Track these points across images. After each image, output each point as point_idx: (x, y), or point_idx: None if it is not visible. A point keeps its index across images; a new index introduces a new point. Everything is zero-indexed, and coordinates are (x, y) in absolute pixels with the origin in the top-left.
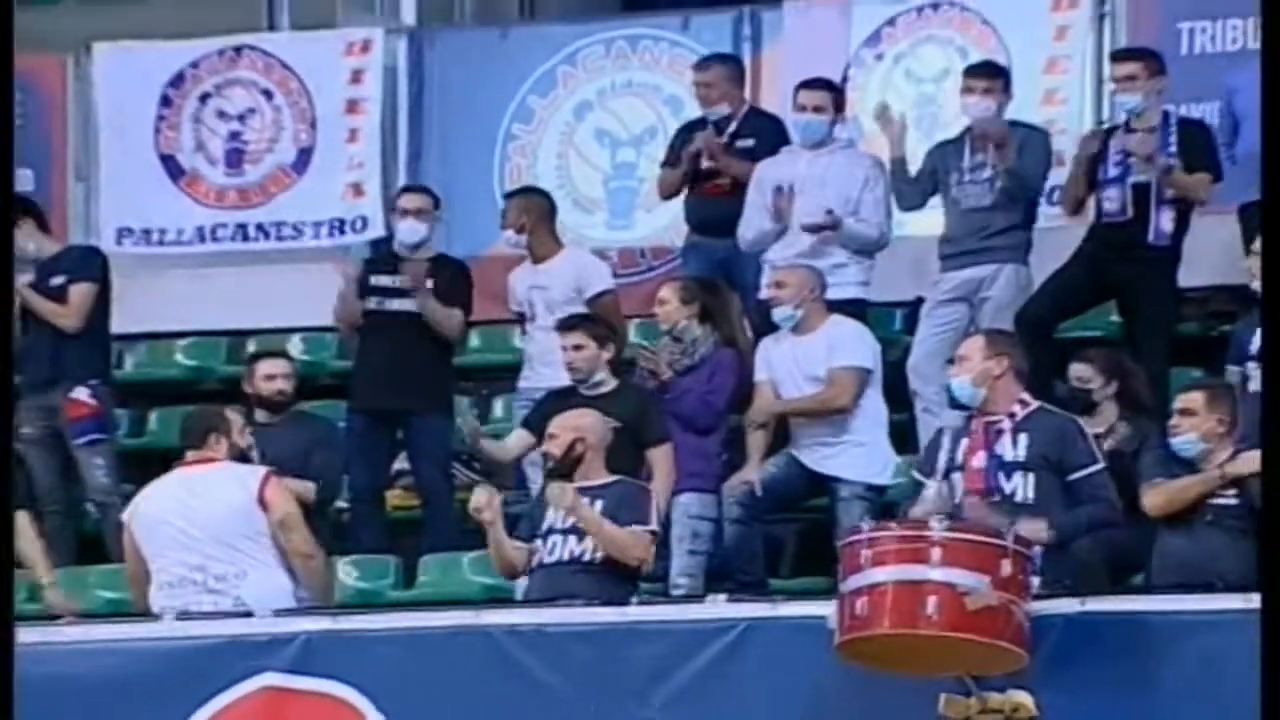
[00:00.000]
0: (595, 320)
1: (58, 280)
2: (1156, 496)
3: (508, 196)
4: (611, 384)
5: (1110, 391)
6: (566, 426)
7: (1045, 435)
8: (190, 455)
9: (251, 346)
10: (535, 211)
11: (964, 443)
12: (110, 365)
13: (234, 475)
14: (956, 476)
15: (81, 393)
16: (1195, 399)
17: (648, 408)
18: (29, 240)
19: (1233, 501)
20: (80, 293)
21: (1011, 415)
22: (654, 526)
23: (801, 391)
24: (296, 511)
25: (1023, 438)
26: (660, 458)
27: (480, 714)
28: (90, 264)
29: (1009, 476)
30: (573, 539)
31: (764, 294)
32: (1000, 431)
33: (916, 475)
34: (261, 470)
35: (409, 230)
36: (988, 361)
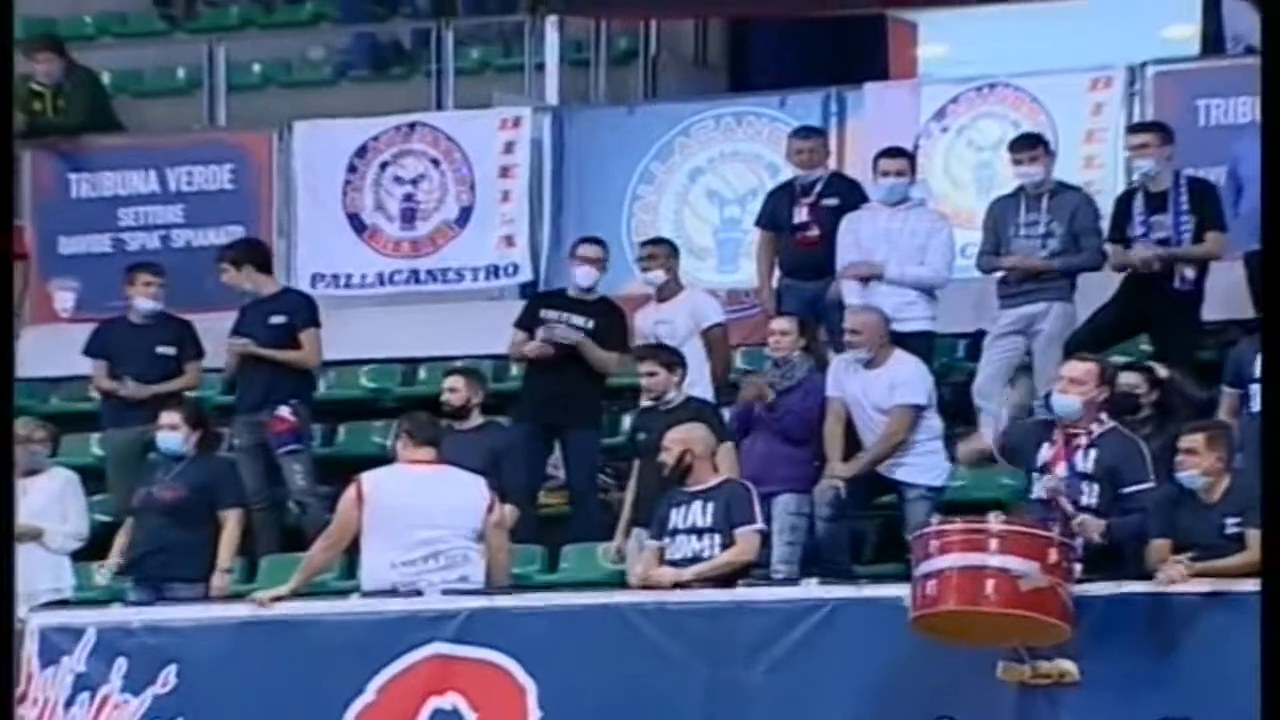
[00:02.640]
0: (662, 349)
1: (277, 319)
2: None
3: (645, 244)
4: (681, 398)
5: (1153, 398)
6: (676, 439)
7: (1112, 452)
8: (418, 455)
9: (422, 372)
10: (666, 257)
11: (1045, 448)
12: (309, 388)
13: (463, 480)
14: (1035, 477)
15: (284, 410)
16: (1197, 440)
17: (707, 414)
18: (247, 280)
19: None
20: (312, 336)
21: (1089, 432)
22: (760, 525)
23: (870, 416)
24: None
25: (1093, 452)
26: (724, 453)
27: (612, 677)
28: (311, 309)
29: (1077, 484)
30: (694, 538)
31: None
32: (1078, 446)
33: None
34: (483, 479)
35: (584, 275)
36: (1098, 388)
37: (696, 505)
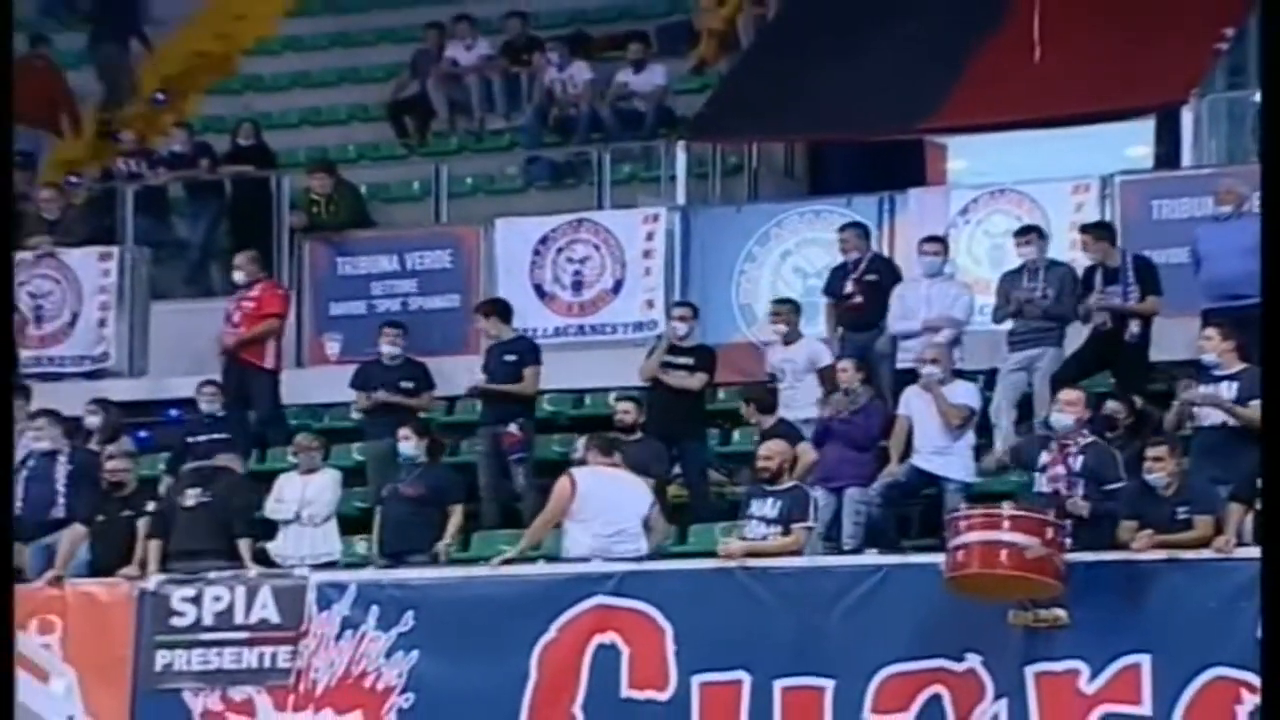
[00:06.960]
0: (755, 389)
1: (510, 358)
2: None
3: (775, 303)
4: (773, 421)
5: (1128, 421)
6: (775, 450)
7: (1094, 458)
8: (605, 460)
9: (587, 399)
10: (789, 314)
11: (1044, 454)
12: (532, 410)
13: (636, 480)
14: (1038, 476)
15: (513, 427)
16: (1162, 450)
17: (792, 433)
18: (494, 328)
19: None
20: (532, 372)
21: (1077, 443)
22: (811, 523)
23: (934, 420)
24: None
25: (1080, 458)
26: (802, 454)
27: (725, 618)
28: (535, 352)
29: (1073, 480)
30: (763, 525)
31: (911, 362)
32: (1069, 453)
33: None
34: (644, 482)
35: (680, 328)
36: (1084, 410)
37: (770, 500)
